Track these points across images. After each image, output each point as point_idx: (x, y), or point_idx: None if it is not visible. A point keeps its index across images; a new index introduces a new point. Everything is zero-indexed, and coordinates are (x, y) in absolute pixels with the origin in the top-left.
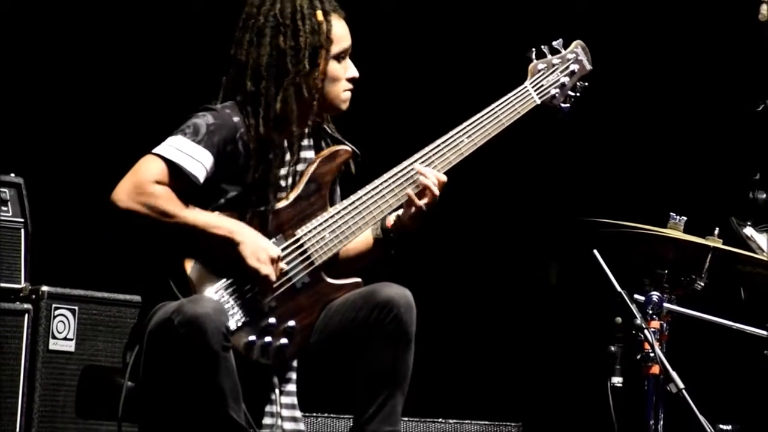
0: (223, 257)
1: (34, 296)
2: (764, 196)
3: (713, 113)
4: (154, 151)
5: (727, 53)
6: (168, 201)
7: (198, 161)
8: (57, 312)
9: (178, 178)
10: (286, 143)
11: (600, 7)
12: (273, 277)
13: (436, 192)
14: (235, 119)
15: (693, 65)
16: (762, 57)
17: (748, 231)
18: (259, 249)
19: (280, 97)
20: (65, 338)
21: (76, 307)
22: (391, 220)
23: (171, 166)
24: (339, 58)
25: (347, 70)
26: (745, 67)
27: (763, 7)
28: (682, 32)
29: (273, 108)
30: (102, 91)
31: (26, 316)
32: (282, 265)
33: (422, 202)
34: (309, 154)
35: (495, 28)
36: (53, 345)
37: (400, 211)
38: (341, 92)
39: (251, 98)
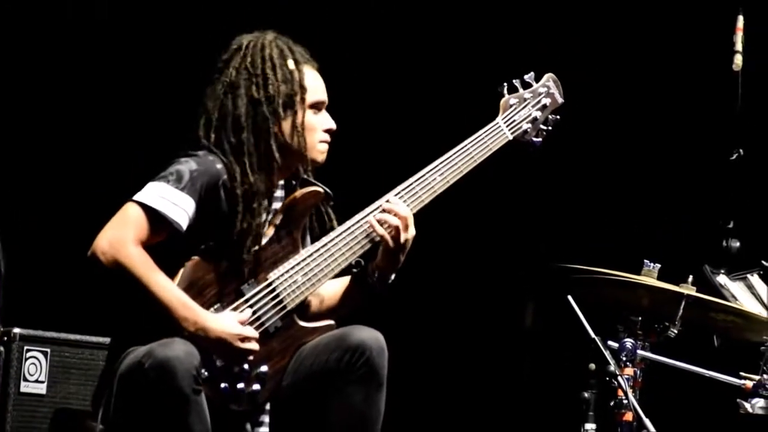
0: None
1: (5, 338)
2: (737, 244)
3: (688, 161)
4: (136, 198)
5: (702, 102)
6: (142, 268)
7: (181, 208)
8: (29, 354)
9: (160, 225)
10: (267, 192)
11: (575, 47)
12: (251, 356)
13: (396, 222)
14: (218, 166)
15: (668, 112)
16: (736, 106)
17: (722, 279)
18: (228, 347)
19: (263, 147)
20: (37, 381)
21: (48, 350)
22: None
23: (154, 214)
24: (314, 108)
25: (324, 121)
26: (720, 115)
27: (737, 56)
28: (658, 79)
29: (256, 158)
30: (73, 135)
31: None
32: (254, 309)
33: (389, 240)
34: (280, 195)
35: (467, 63)
36: (24, 387)
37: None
38: (317, 143)
39: (233, 149)
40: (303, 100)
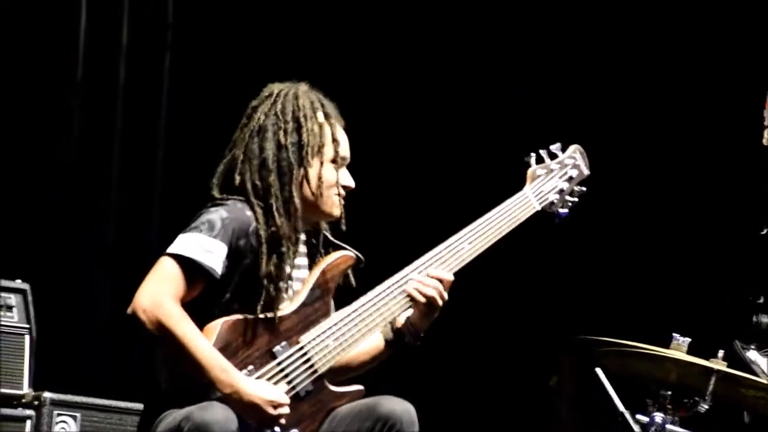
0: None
1: (36, 402)
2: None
3: (718, 236)
4: (169, 250)
5: (732, 176)
6: (181, 326)
7: (215, 255)
8: (59, 419)
9: (196, 275)
10: (291, 237)
11: (605, 119)
12: (282, 422)
13: (436, 292)
14: (248, 213)
15: (699, 188)
16: (766, 180)
17: (752, 355)
18: (261, 412)
19: (286, 192)
20: None
21: (78, 414)
22: (401, 322)
23: (189, 263)
24: (336, 163)
25: (343, 178)
26: (750, 190)
27: (767, 131)
28: (688, 154)
29: (281, 202)
30: (97, 195)
31: (28, 422)
32: (286, 372)
33: (427, 301)
34: (302, 261)
35: (492, 130)
36: None
37: (409, 312)
38: (333, 196)
39: (259, 192)
40: (329, 152)
